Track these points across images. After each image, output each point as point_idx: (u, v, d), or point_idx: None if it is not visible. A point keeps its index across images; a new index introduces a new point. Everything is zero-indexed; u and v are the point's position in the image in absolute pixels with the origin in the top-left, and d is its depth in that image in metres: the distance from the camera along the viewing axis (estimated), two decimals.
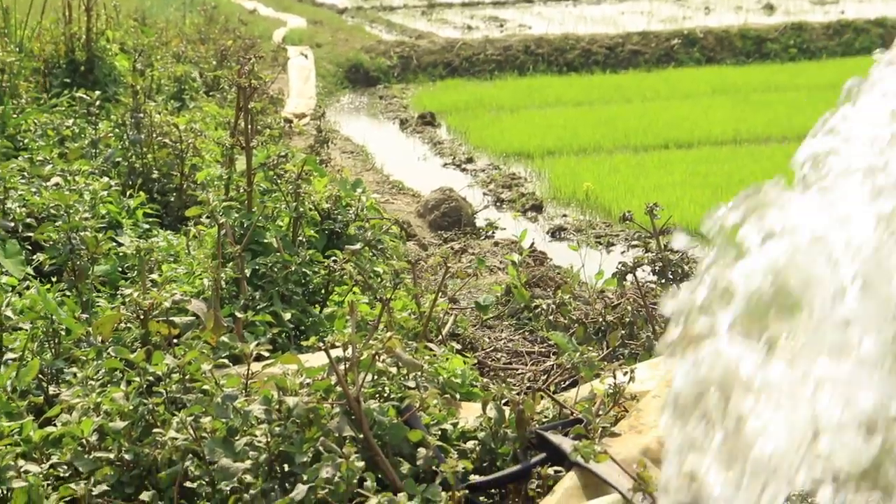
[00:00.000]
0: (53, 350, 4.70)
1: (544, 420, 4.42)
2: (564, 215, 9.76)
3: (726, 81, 15.85)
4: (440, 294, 5.67)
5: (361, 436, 3.84)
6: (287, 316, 5.20)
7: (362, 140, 13.12)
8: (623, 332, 5.47)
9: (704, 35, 18.76)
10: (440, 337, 5.46)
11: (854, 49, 17.16)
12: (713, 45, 18.47)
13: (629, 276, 5.37)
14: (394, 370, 4.22)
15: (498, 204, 10.23)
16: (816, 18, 20.23)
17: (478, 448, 4.17)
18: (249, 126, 5.64)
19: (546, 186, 10.75)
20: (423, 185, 10.35)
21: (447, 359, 4.87)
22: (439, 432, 4.15)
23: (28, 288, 5.16)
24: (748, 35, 18.65)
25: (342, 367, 3.93)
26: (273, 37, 19.42)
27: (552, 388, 4.99)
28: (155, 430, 3.84)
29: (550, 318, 5.87)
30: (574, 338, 5.59)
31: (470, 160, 12.11)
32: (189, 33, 14.52)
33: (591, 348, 5.24)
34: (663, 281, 5.42)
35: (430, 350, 4.80)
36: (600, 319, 5.78)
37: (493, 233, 8.91)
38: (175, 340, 4.59)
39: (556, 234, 9.20)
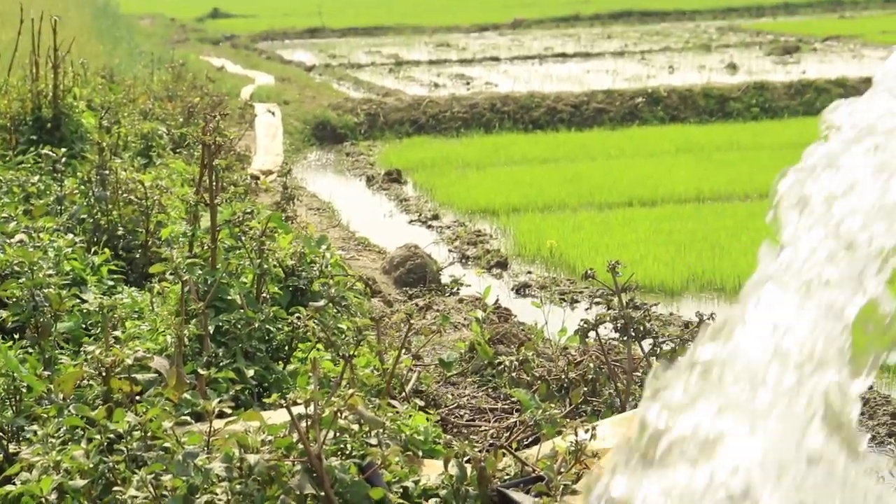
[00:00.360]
0: (14, 408, 4.67)
1: (506, 477, 4.41)
2: (529, 272, 9.77)
3: (690, 140, 15.92)
4: (404, 351, 5.66)
5: (323, 493, 3.82)
6: (250, 373, 5.17)
7: (329, 197, 13.13)
8: (585, 388, 5.47)
9: (668, 94, 18.84)
10: (403, 394, 5.44)
11: (815, 108, 17.19)
12: (677, 103, 18.54)
13: (591, 333, 5.37)
14: (356, 427, 4.20)
15: (463, 261, 10.23)
16: (778, 78, 20.38)
17: None
18: (214, 183, 5.64)
19: (511, 243, 10.76)
20: (388, 241, 10.36)
21: (410, 416, 4.86)
22: (401, 490, 4.13)
23: None
24: (711, 94, 18.74)
25: (304, 424, 3.91)
26: (241, 94, 19.42)
27: (514, 446, 4.97)
28: (115, 488, 3.81)
29: (513, 374, 5.87)
30: (537, 395, 5.59)
31: (436, 217, 12.12)
32: (157, 90, 14.50)
33: (553, 405, 5.24)
34: (625, 338, 5.42)
35: (393, 407, 4.79)
36: (563, 376, 5.76)
37: (458, 289, 8.90)
38: (137, 397, 4.57)
39: (521, 290, 9.21)
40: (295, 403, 3.99)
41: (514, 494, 4.10)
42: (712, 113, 18.26)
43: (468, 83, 23.43)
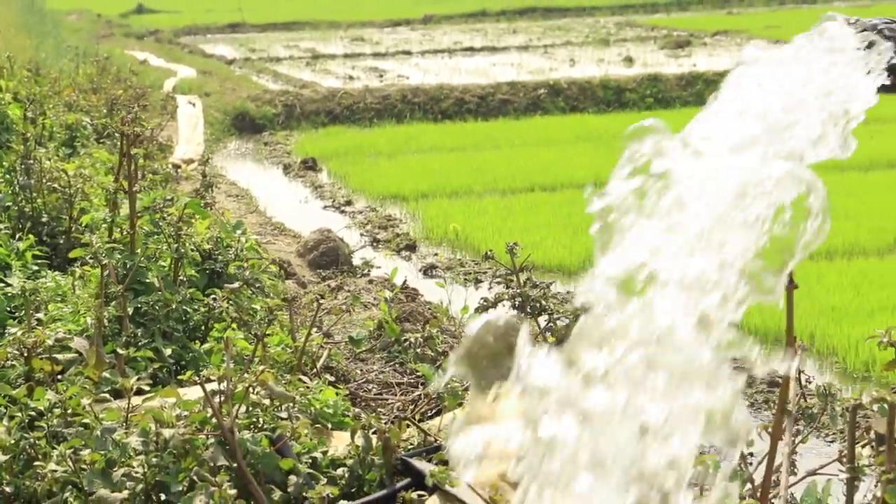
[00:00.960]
0: None
1: (410, 447, 4.43)
2: (436, 254, 9.80)
3: (589, 129, 16.01)
4: (315, 329, 5.65)
5: (235, 465, 3.81)
6: (168, 352, 5.15)
7: (247, 184, 13.07)
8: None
9: (569, 85, 18.93)
10: (315, 370, 5.43)
11: (704, 98, 17.20)
12: (577, 94, 18.63)
13: (490, 311, 5.39)
14: (267, 402, 4.19)
15: (374, 244, 10.24)
16: (671, 70, 20.52)
17: (346, 474, 4.16)
18: (132, 171, 5.60)
19: (420, 227, 10.78)
20: (303, 226, 10.33)
21: (320, 390, 4.86)
22: (310, 460, 4.13)
23: None
24: (609, 85, 18.86)
25: (217, 399, 3.90)
26: (164, 86, 19.24)
27: (418, 417, 4.99)
28: (36, 462, 3.78)
29: (419, 350, 5.87)
30: (440, 369, 5.60)
31: (349, 203, 12.11)
32: (82, 83, 14.34)
33: (455, 379, 5.26)
34: (523, 315, 5.44)
35: (303, 382, 4.79)
36: None
37: (369, 271, 8.91)
38: (58, 377, 4.53)
39: (428, 272, 9.23)
40: (209, 380, 3.98)
41: (416, 462, 4.12)
42: (610, 103, 18.38)
43: (381, 76, 23.38)
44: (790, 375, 3.17)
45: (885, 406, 3.09)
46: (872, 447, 3.25)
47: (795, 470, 4.26)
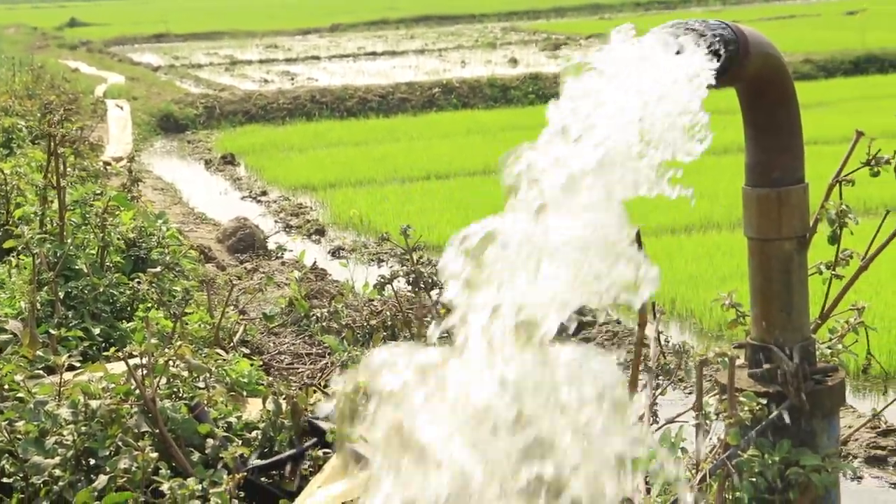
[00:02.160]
0: None
1: (316, 410, 4.42)
2: (343, 237, 9.78)
3: (478, 122, 16.05)
4: (232, 307, 5.63)
5: (157, 431, 3.80)
6: (96, 331, 5.11)
7: (172, 178, 12.94)
8: (385, 333, 5.51)
9: (460, 84, 18.97)
10: (231, 344, 5.42)
11: None
12: (467, 92, 18.68)
13: (388, 287, 5.39)
14: (186, 374, 4.17)
15: (287, 229, 10.19)
16: (550, 70, 20.62)
17: (259, 436, 4.15)
18: (60, 168, 5.53)
19: (328, 214, 10.75)
20: (223, 215, 10.26)
21: (237, 362, 4.84)
22: (226, 424, 4.12)
23: None
24: (496, 84, 18.92)
25: (140, 372, 3.88)
26: (95, 91, 18.98)
27: (325, 383, 4.99)
28: None
29: (325, 324, 5.88)
30: (345, 340, 5.61)
31: (264, 193, 12.04)
32: (18, 90, 14.12)
33: (358, 348, 5.27)
34: (416, 290, 5.46)
35: (220, 355, 4.77)
36: (366, 324, 5.80)
37: (282, 254, 8.87)
38: None
39: (336, 253, 9.21)
40: (132, 356, 3.95)
41: (322, 424, 4.12)
42: (497, 99, 18.43)
43: (293, 79, 23.25)
44: (640, 336, 3.21)
45: (727, 360, 3.14)
46: (718, 396, 3.30)
47: (657, 419, 4.33)
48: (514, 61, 24.58)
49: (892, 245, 3.45)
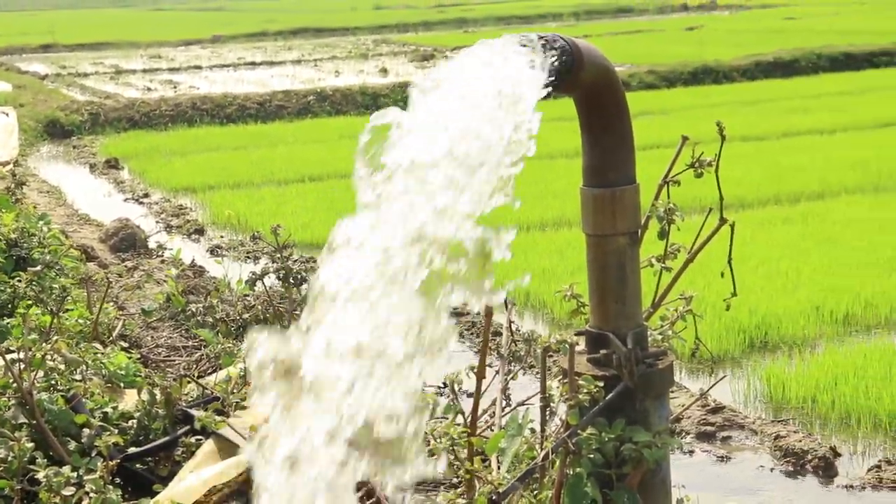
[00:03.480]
0: None
1: (190, 400, 4.36)
2: (221, 236, 9.65)
3: (350, 128, 15.96)
4: (112, 303, 5.52)
5: (34, 422, 3.71)
6: None
7: (57, 182, 12.63)
8: (257, 326, 5.45)
9: (334, 92, 18.88)
10: (111, 338, 5.32)
11: None
12: (341, 100, 18.60)
13: (259, 283, 5.35)
14: (63, 367, 4.09)
15: (168, 229, 10.03)
16: (419, 79, 20.63)
17: (135, 425, 4.09)
18: None
19: (207, 214, 10.60)
20: (106, 216, 10.04)
21: (115, 355, 4.75)
22: (102, 415, 4.04)
23: None
24: (367, 92, 18.88)
25: (17, 366, 3.79)
26: None
27: (199, 374, 4.93)
28: None
29: (200, 318, 5.80)
30: (219, 333, 5.55)
31: (146, 195, 11.83)
32: None
33: (231, 341, 5.21)
34: (286, 285, 5.42)
35: (97, 349, 4.67)
36: (239, 318, 5.74)
37: (163, 253, 8.72)
38: None
39: (214, 251, 9.08)
40: (9, 350, 3.86)
41: (195, 412, 4.07)
42: (368, 107, 18.35)
43: (175, 87, 22.89)
44: (486, 326, 3.23)
45: (567, 346, 3.18)
46: (560, 380, 3.34)
47: (510, 402, 4.36)
48: (384, 71, 24.56)
49: (716, 239, 3.52)
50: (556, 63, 2.77)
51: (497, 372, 4.26)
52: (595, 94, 3.04)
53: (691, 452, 4.57)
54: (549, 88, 2.60)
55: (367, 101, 18.54)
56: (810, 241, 7.71)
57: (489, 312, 3.18)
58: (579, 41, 2.91)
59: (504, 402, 4.26)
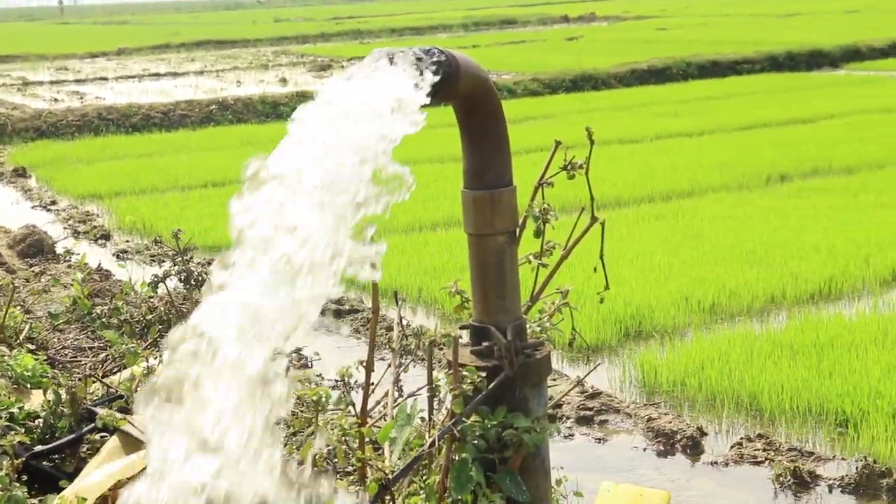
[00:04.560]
0: None
1: (95, 398, 4.30)
2: (127, 241, 9.49)
3: (251, 136, 15.83)
4: (19, 307, 5.40)
5: None
6: None
7: None
8: (160, 327, 5.38)
9: (235, 102, 18.69)
10: (18, 340, 5.20)
11: None
12: (242, 108, 18.42)
13: (162, 285, 5.28)
14: None
15: (76, 235, 9.83)
16: (317, 88, 20.50)
17: (41, 424, 4.01)
18: None
19: (114, 220, 10.42)
20: (13, 223, 9.81)
21: (21, 357, 4.65)
22: (8, 415, 3.96)
23: None
24: (267, 101, 18.72)
25: None
26: None
27: (104, 374, 4.85)
28: None
29: (105, 320, 5.71)
30: (124, 334, 5.46)
31: (54, 203, 11.58)
32: None
33: (135, 342, 5.14)
34: (188, 287, 5.36)
35: (3, 351, 4.57)
36: (144, 318, 5.66)
37: (70, 258, 8.54)
38: None
39: (120, 256, 8.93)
40: None
41: (98, 410, 4.00)
42: (268, 115, 18.23)
43: (82, 98, 22.44)
44: (373, 322, 3.23)
45: (451, 340, 3.19)
46: (446, 372, 3.35)
47: (402, 393, 4.37)
48: (284, 81, 24.38)
49: (593, 236, 3.57)
50: (435, 74, 2.78)
51: (389, 365, 4.27)
52: (472, 102, 3.06)
53: (571, 436, 4.63)
54: (429, 98, 2.61)
55: (268, 109, 18.40)
56: (680, 237, 7.85)
57: (376, 309, 3.19)
58: (456, 53, 2.93)
59: (396, 394, 4.27)
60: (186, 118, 17.93)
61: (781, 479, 4.00)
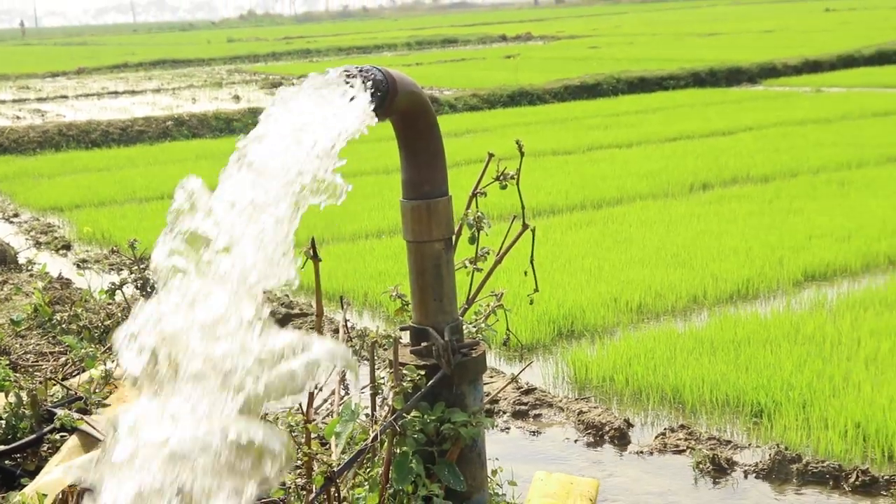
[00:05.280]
0: None
1: (55, 400, 4.26)
2: (87, 251, 9.40)
3: (206, 150, 15.73)
4: None
5: None
6: None
7: None
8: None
9: (191, 118, 18.56)
10: None
11: None
12: (197, 124, 18.30)
13: (119, 292, 5.24)
14: None
15: (38, 245, 9.73)
16: (268, 103, 20.45)
17: (3, 425, 3.97)
18: None
19: (74, 231, 10.31)
20: None
21: None
22: None
23: None
24: (220, 117, 18.61)
25: None
26: None
27: (64, 377, 4.81)
28: None
29: (65, 326, 5.65)
30: (83, 339, 5.41)
31: (16, 215, 11.44)
32: None
33: (94, 346, 5.10)
34: (144, 293, 5.33)
35: None
36: (102, 325, 5.61)
37: (32, 267, 8.45)
38: None
39: (80, 265, 8.84)
40: None
41: (58, 410, 3.97)
42: (222, 130, 18.14)
43: (43, 115, 22.15)
44: (317, 325, 3.24)
45: (391, 340, 3.21)
46: (388, 370, 3.37)
47: (348, 391, 4.38)
48: (237, 98, 24.25)
49: (523, 242, 3.60)
50: (373, 92, 2.80)
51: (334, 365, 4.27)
52: (409, 118, 3.08)
53: (507, 429, 4.66)
54: (369, 115, 2.63)
55: (221, 125, 18.31)
56: (610, 242, 7.92)
57: (320, 312, 3.20)
58: (393, 71, 2.95)
59: (342, 392, 4.27)
60: (144, 134, 17.78)
61: (701, 466, 4.06)
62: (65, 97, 27.41)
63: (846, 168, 10.68)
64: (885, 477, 3.83)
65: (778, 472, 3.95)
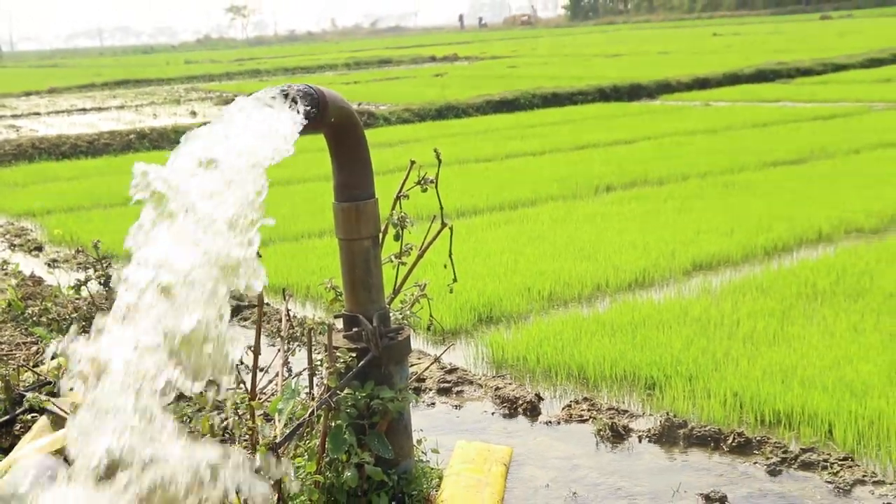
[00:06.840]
0: None
1: (27, 385, 4.20)
2: (57, 252, 9.23)
3: (165, 160, 15.48)
4: None
5: None
6: None
7: None
8: (84, 323, 5.27)
9: (152, 132, 18.30)
10: None
11: None
12: (157, 137, 18.05)
13: (84, 288, 5.17)
14: None
15: (12, 247, 9.53)
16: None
17: None
18: None
19: (45, 234, 10.13)
20: None
21: None
22: None
23: None
24: (179, 131, 18.35)
25: None
26: None
27: (35, 365, 4.73)
28: None
29: (36, 318, 5.56)
30: (53, 330, 5.34)
31: None
32: None
33: (62, 337, 5.02)
34: (107, 289, 5.26)
35: None
36: (70, 317, 5.53)
37: (6, 267, 8.28)
38: None
39: (51, 264, 8.67)
40: None
41: (29, 395, 3.92)
42: (180, 143, 17.92)
43: (17, 130, 21.68)
44: (259, 314, 3.24)
45: (326, 327, 3.22)
46: (324, 354, 3.38)
47: (291, 372, 4.37)
48: (193, 113, 23.97)
49: (442, 239, 3.63)
50: (307, 108, 2.81)
51: (279, 350, 4.26)
52: (340, 130, 3.10)
53: (433, 404, 4.69)
54: (302, 128, 2.64)
55: (180, 138, 17.98)
56: (525, 238, 7.99)
57: (261, 302, 3.20)
58: (325, 89, 2.96)
59: (286, 373, 4.27)
60: (109, 146, 17.50)
61: (602, 433, 4.12)
62: (38, 114, 26.87)
63: (730, 172, 10.88)
64: (757, 438, 3.92)
65: (668, 436, 4.03)
